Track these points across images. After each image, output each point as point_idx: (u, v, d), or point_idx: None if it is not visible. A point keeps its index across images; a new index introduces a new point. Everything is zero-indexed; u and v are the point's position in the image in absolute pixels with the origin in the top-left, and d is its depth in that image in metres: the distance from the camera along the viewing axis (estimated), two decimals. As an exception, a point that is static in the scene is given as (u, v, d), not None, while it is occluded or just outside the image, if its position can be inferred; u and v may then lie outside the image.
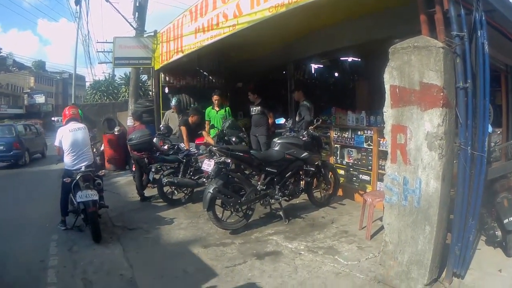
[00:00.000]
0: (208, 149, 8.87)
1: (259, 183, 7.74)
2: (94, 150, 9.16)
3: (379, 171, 8.18)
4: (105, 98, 34.71)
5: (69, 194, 7.74)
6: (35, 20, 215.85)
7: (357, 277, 5.34)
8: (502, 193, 5.73)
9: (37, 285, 5.63)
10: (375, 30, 8.48)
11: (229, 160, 7.51)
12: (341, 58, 14.71)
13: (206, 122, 11.41)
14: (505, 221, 5.48)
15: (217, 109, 11.43)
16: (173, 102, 12.69)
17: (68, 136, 7.75)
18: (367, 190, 8.43)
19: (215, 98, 11.43)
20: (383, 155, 7.93)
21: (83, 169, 7.52)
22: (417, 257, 4.74)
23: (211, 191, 7.03)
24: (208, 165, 8.44)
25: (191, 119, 11.02)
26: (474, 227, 4.96)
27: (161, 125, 12.00)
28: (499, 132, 7.11)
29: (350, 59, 14.82)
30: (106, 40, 18.33)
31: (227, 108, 11.74)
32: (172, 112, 12.58)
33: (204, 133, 11.21)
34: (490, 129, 5.52)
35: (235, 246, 6.69)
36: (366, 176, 8.72)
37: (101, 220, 7.86)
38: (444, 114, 4.38)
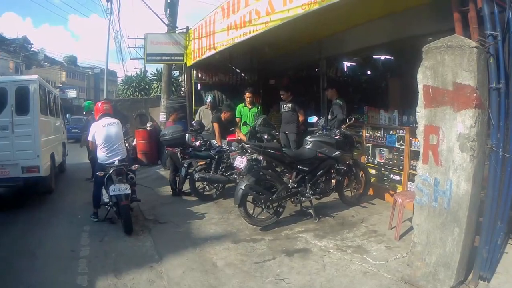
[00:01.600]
0: (240, 146, 8.91)
1: (290, 180, 7.75)
2: (127, 145, 9.31)
3: (410, 171, 8.10)
4: (137, 93, 35.02)
5: (102, 187, 7.94)
6: (66, 16, 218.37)
7: (384, 277, 5.33)
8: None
9: (68, 274, 5.75)
10: (408, 28, 8.44)
11: (261, 157, 7.55)
12: (374, 56, 14.61)
13: (237, 119, 11.45)
14: None
15: (250, 106, 11.49)
16: (209, 99, 12.76)
17: (101, 131, 7.96)
18: (398, 190, 8.38)
19: (247, 95, 11.49)
20: (414, 155, 7.86)
21: (116, 163, 7.70)
22: (444, 259, 4.71)
23: (243, 188, 7.09)
24: (240, 162, 8.48)
25: (223, 116, 11.06)
26: (503, 230, 4.90)
27: (193, 121, 12.07)
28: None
29: (383, 57, 14.71)
30: (138, 36, 18.51)
31: (259, 106, 11.79)
32: (206, 108, 12.63)
33: (237, 130, 11.26)
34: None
35: (265, 243, 6.74)
36: (397, 176, 8.66)
37: (133, 213, 8.04)
38: (477, 115, 4.34)
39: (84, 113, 14.68)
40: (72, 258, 6.31)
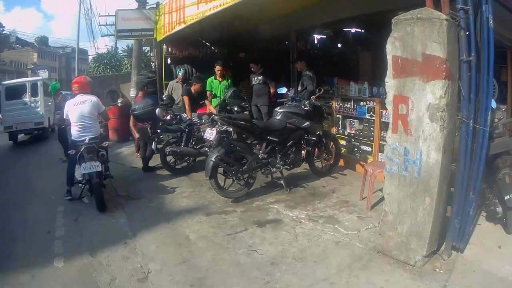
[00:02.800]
0: (210, 118, 8.89)
1: (260, 151, 7.76)
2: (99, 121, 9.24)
3: (380, 142, 8.17)
4: (108, 70, 34.81)
5: (75, 165, 7.89)
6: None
7: (356, 247, 5.41)
8: (504, 169, 5.63)
9: (45, 256, 5.72)
10: (379, 2, 8.42)
11: (231, 129, 7.58)
12: (345, 29, 14.61)
13: (208, 92, 11.40)
14: (506, 197, 5.43)
15: (220, 79, 11.42)
16: (181, 72, 12.75)
17: (73, 109, 7.90)
18: (369, 161, 8.45)
19: (217, 68, 11.41)
20: (385, 126, 7.91)
21: (87, 141, 7.64)
22: (416, 228, 4.77)
23: (213, 159, 7.08)
24: (210, 134, 8.48)
25: (193, 88, 11.06)
26: (475, 201, 4.96)
27: (163, 96, 12.02)
28: (504, 109, 7.04)
29: (353, 30, 14.72)
30: (109, 14, 18.61)
31: (229, 79, 11.76)
32: (177, 82, 12.57)
33: (206, 102, 11.22)
34: (494, 104, 5.49)
35: (237, 214, 6.78)
36: (367, 147, 8.74)
37: (106, 190, 8.03)
38: (447, 86, 4.36)
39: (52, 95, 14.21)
40: (48, 240, 6.28)
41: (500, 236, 5.44)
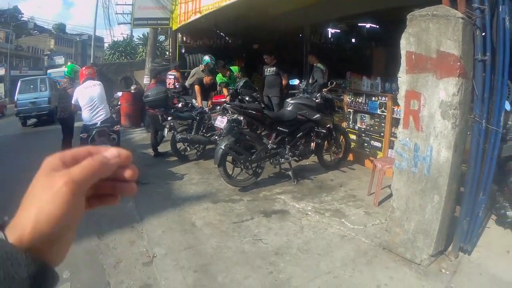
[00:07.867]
0: (221, 106, 8.90)
1: (270, 142, 7.78)
2: (110, 108, 9.15)
3: (391, 138, 8.09)
4: (123, 58, 34.94)
5: None
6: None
7: (362, 242, 5.39)
8: (516, 172, 5.65)
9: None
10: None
11: (241, 118, 7.55)
12: (359, 24, 14.58)
13: (222, 85, 11.39)
14: None
15: (227, 75, 11.45)
16: (208, 60, 11.67)
17: (84, 93, 8.05)
18: (378, 157, 8.41)
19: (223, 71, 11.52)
20: (396, 122, 7.83)
21: (98, 124, 7.77)
22: (423, 226, 4.74)
23: (223, 147, 7.09)
24: (220, 122, 8.48)
25: (205, 79, 11.02)
26: (485, 202, 4.91)
27: (177, 84, 12.02)
28: (517, 111, 7.03)
29: (368, 25, 14.68)
30: (126, 2, 18.55)
31: (231, 69, 11.75)
32: (202, 70, 12.21)
33: (224, 89, 11.22)
34: (508, 107, 5.44)
35: (243, 203, 6.81)
36: (377, 143, 8.69)
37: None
38: (460, 84, 4.33)
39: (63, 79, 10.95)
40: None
41: (509, 241, 5.36)
